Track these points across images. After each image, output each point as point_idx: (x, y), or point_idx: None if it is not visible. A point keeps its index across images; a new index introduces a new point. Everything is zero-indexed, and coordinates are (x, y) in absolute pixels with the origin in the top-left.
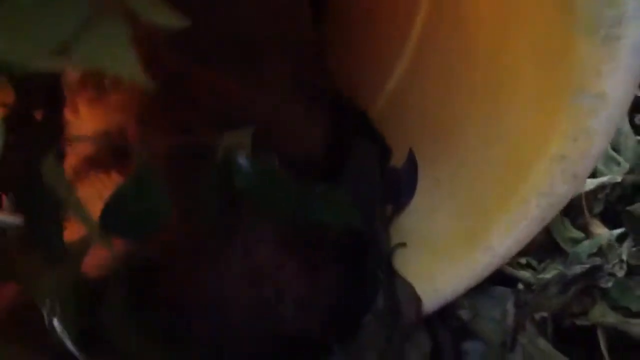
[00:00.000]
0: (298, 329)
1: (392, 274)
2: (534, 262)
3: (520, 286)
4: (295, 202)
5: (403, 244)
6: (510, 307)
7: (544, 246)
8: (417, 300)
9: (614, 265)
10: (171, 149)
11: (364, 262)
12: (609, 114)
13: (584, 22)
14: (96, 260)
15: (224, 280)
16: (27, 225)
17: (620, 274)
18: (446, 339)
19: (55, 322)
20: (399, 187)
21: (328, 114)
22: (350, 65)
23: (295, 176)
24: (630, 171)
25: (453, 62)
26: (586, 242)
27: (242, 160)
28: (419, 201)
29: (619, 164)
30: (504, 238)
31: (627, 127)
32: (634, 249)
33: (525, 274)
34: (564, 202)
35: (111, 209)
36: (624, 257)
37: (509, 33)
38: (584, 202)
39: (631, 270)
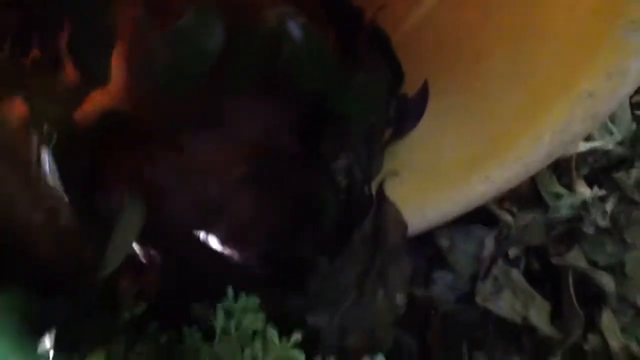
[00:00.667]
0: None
1: (382, 199)
2: (514, 209)
3: (503, 227)
4: (333, 82)
5: (395, 172)
6: (489, 241)
7: (526, 197)
8: (403, 225)
9: (597, 215)
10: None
11: (352, 183)
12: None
13: None
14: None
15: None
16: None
17: (603, 223)
18: (421, 265)
19: (44, 155)
20: (405, 113)
21: (348, 32)
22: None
23: None
24: (621, 143)
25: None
26: (568, 198)
27: (295, 27)
28: (422, 129)
29: (612, 133)
30: (506, 170)
31: (626, 101)
32: (609, 206)
33: (507, 216)
34: (577, 141)
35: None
36: (608, 210)
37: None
38: (573, 162)
39: (606, 230)
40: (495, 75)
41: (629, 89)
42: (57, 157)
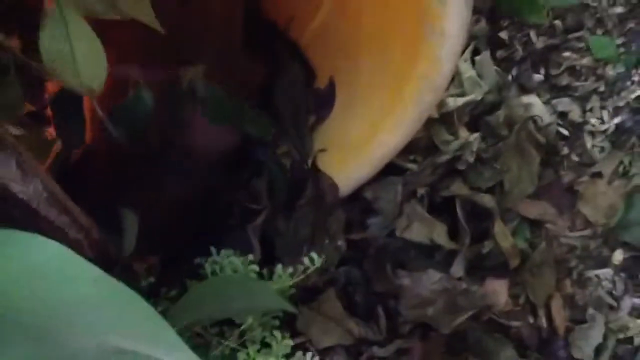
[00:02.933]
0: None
1: (317, 170)
2: (419, 159)
3: (408, 175)
4: (231, 117)
5: (323, 149)
6: (399, 188)
7: (426, 147)
8: (335, 187)
9: (467, 154)
10: (155, 77)
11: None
12: (449, 45)
13: None
14: None
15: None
16: None
17: (471, 159)
18: (355, 216)
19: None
20: (320, 103)
21: (267, 43)
22: (284, 6)
23: (237, 94)
24: (489, 92)
25: (357, 13)
26: (454, 142)
27: (200, 87)
28: (335, 114)
29: (481, 86)
30: (392, 134)
31: (488, 58)
32: (483, 144)
33: (412, 166)
34: (431, 107)
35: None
36: (474, 148)
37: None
38: (455, 115)
39: (482, 161)
40: (370, 67)
41: (448, 68)
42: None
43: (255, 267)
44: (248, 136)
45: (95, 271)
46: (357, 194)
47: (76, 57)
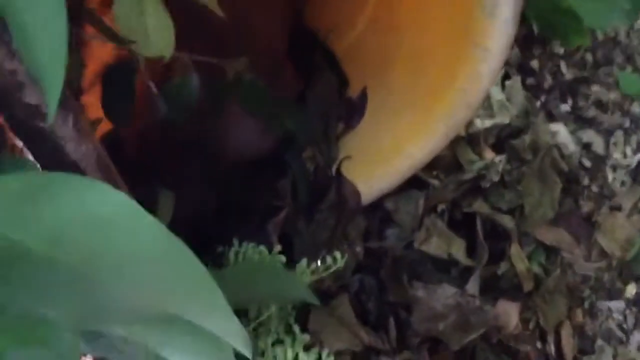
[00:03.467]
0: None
1: (340, 176)
2: (442, 175)
3: (430, 189)
4: (273, 110)
5: (349, 157)
6: (421, 201)
7: (450, 165)
8: (357, 195)
9: (492, 174)
10: (202, 65)
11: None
12: (492, 62)
13: (479, 3)
14: None
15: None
16: None
17: (496, 179)
18: (375, 225)
19: None
20: (351, 112)
21: (306, 51)
22: (326, 16)
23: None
24: (516, 117)
25: (396, 26)
26: (479, 162)
27: (245, 78)
28: (364, 123)
29: (509, 110)
30: (420, 148)
31: (518, 84)
32: (507, 166)
33: (435, 181)
34: (463, 124)
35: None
36: (499, 169)
37: (434, 13)
38: (481, 136)
39: (505, 183)
40: (404, 79)
41: (487, 85)
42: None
43: (282, 258)
44: (276, 137)
45: (158, 227)
46: (377, 203)
47: (148, 28)
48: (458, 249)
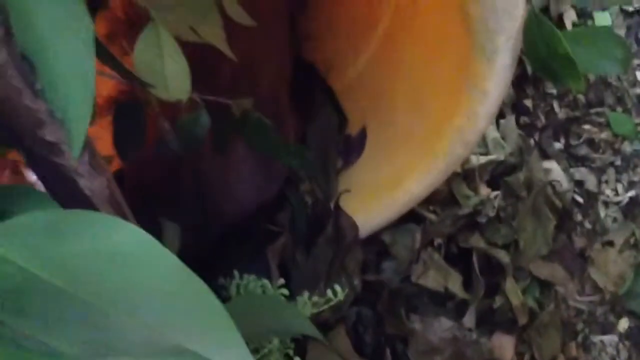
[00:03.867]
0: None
1: (338, 209)
2: (438, 209)
3: (427, 223)
4: (276, 148)
5: (348, 190)
6: (417, 235)
7: (446, 200)
8: (355, 227)
9: (488, 209)
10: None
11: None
12: (489, 104)
13: (479, 48)
14: None
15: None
16: None
17: (492, 214)
18: (372, 258)
19: None
20: (350, 149)
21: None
22: (327, 51)
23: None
24: (511, 154)
25: (396, 64)
26: (474, 198)
27: (253, 117)
28: (363, 158)
29: (503, 147)
30: (418, 184)
31: (512, 123)
32: (502, 203)
33: (431, 216)
34: (460, 161)
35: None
36: (495, 205)
37: (435, 55)
38: (477, 172)
39: (500, 219)
40: (403, 116)
41: (483, 124)
42: None
43: (285, 291)
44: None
45: (173, 260)
46: (374, 236)
47: (166, 71)
48: (455, 283)
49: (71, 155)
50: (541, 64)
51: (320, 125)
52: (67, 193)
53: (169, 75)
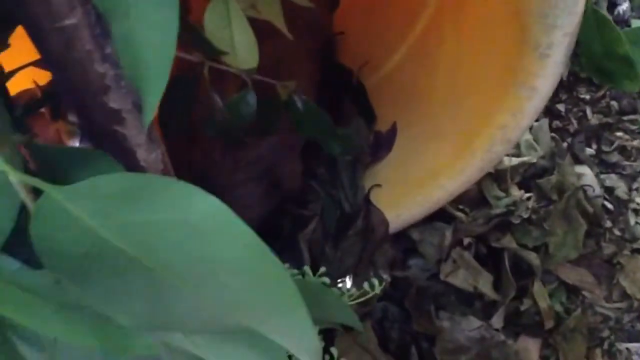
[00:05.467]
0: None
1: (369, 204)
2: (467, 209)
3: (458, 222)
4: (322, 131)
5: (378, 185)
6: (448, 234)
7: (475, 199)
8: (386, 223)
9: (522, 210)
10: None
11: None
12: (537, 101)
13: (533, 44)
14: None
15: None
16: None
17: (525, 215)
18: (400, 255)
19: None
20: (379, 146)
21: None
22: (359, 48)
23: None
24: (542, 157)
25: (435, 60)
26: (505, 199)
27: (298, 99)
28: (393, 153)
29: (536, 150)
30: (454, 180)
31: (545, 126)
32: (535, 205)
33: (460, 215)
34: (499, 159)
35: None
36: (529, 206)
37: (480, 50)
38: (508, 173)
39: (530, 221)
40: (440, 114)
41: (528, 122)
42: None
43: (327, 280)
44: (307, 165)
45: (250, 235)
46: (402, 233)
47: (234, 41)
48: (485, 283)
49: (133, 124)
50: (596, 63)
51: (350, 121)
52: (123, 164)
53: (237, 45)
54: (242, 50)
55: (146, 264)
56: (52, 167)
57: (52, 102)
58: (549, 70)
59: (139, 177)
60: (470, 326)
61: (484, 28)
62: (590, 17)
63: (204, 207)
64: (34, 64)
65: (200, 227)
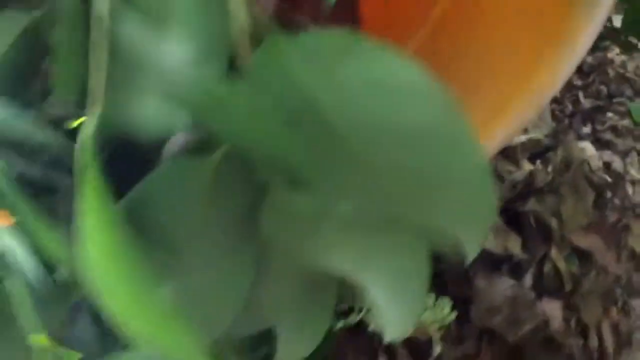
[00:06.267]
0: None
1: None
2: None
3: None
4: None
5: None
6: None
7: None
8: None
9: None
10: None
11: None
12: (575, 58)
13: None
14: None
15: None
16: None
17: (543, 183)
18: None
19: None
20: None
21: None
22: (381, 22)
23: None
24: (547, 135)
25: (470, 20)
26: (517, 171)
27: None
28: None
29: (540, 128)
30: (484, 144)
31: (547, 108)
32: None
33: None
34: (524, 124)
35: None
36: (545, 175)
37: (517, 5)
38: (518, 149)
39: (544, 191)
40: (474, 77)
41: (562, 81)
42: None
43: None
44: None
45: (446, 99)
46: None
47: None
48: (514, 244)
49: None
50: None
51: None
52: None
53: None
54: None
55: (349, 125)
56: None
57: None
58: (592, 27)
59: (345, 36)
60: (504, 285)
61: None
62: None
63: (396, 68)
64: None
65: (393, 88)
